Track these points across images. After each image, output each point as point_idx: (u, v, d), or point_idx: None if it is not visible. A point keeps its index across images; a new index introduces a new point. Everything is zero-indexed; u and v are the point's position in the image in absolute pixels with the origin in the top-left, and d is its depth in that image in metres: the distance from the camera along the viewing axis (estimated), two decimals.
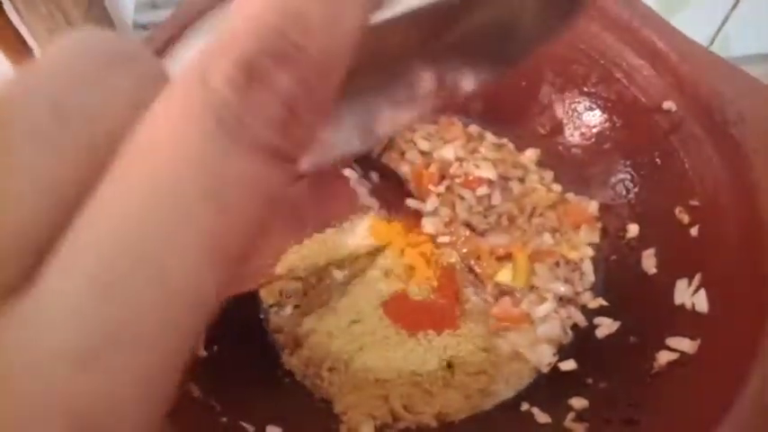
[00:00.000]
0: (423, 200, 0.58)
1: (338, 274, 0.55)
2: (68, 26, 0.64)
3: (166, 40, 0.48)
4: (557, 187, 0.60)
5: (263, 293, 0.54)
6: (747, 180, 0.43)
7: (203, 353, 0.46)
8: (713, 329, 0.42)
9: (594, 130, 0.58)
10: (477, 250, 0.55)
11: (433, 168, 0.60)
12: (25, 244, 0.12)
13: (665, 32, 0.50)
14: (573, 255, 0.56)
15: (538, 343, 0.52)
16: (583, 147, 0.59)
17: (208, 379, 0.43)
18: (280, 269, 0.50)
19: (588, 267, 0.56)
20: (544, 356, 0.51)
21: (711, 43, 0.92)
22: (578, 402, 0.45)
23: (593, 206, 0.58)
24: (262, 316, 0.54)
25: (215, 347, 0.46)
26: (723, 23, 0.92)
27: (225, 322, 0.47)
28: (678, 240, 0.49)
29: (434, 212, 0.58)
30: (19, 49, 0.68)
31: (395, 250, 0.54)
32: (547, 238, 0.57)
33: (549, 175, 0.61)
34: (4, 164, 0.12)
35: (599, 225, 0.57)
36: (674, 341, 0.43)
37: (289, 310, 0.53)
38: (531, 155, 0.62)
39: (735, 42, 0.92)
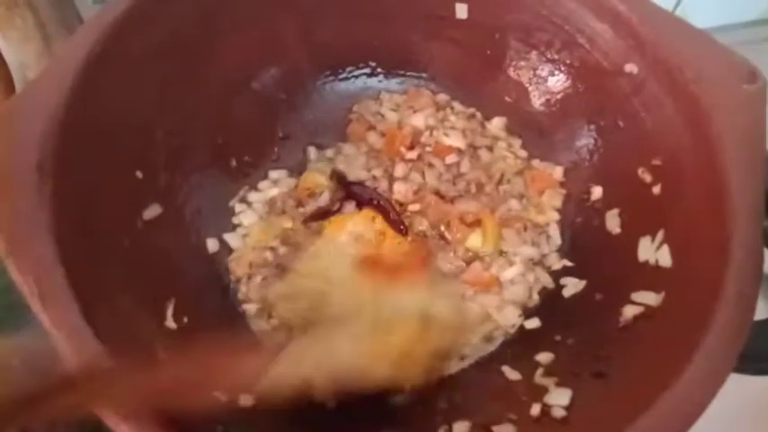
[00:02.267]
0: (393, 163, 0.59)
1: (308, 241, 0.55)
2: (24, 1, 0.62)
3: (124, 10, 0.47)
4: (523, 154, 0.61)
5: (232, 266, 0.54)
6: (707, 136, 0.44)
7: (173, 325, 0.45)
8: (677, 282, 0.43)
9: (559, 96, 0.59)
10: (447, 217, 0.56)
11: (406, 133, 0.61)
12: None
13: None
14: (540, 219, 0.57)
15: (504, 305, 0.52)
16: (548, 113, 0.60)
17: (178, 349, 0.43)
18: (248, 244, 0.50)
19: (554, 231, 0.57)
20: (510, 317, 0.52)
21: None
22: (544, 357, 0.46)
23: (558, 171, 0.59)
24: (232, 287, 0.53)
25: (185, 319, 0.46)
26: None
27: (195, 296, 0.47)
28: (641, 199, 0.50)
29: (405, 179, 0.58)
30: None
31: (366, 217, 0.54)
32: (514, 204, 0.57)
33: (516, 142, 0.62)
34: None
35: (563, 191, 0.58)
36: (638, 295, 0.45)
37: (258, 280, 0.53)
38: (498, 123, 0.62)
39: (693, 15, 0.93)
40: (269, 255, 0.54)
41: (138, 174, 0.49)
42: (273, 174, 0.60)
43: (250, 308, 0.52)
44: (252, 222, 0.56)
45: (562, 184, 0.58)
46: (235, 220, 0.57)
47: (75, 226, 0.40)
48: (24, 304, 0.35)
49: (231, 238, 0.55)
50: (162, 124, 0.51)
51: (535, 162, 0.60)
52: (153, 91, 0.50)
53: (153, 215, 0.49)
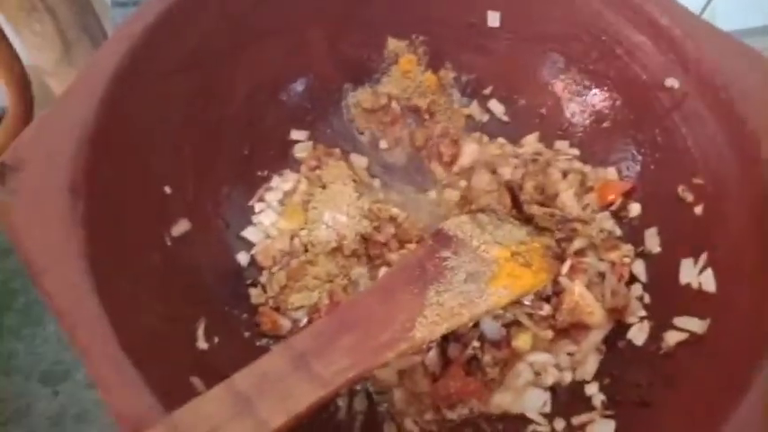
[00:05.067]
0: None
1: None
2: (44, 6, 0.61)
3: (152, 23, 0.46)
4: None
5: (260, 258, 0.53)
6: (754, 158, 0.42)
7: (204, 345, 0.44)
8: (723, 309, 0.42)
9: (595, 108, 0.57)
10: None
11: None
12: None
13: (669, 8, 0.50)
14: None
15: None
16: (582, 125, 0.58)
17: (210, 372, 0.42)
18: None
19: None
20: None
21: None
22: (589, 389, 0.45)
23: (611, 173, 0.56)
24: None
25: (216, 339, 0.45)
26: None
27: (224, 314, 0.45)
28: (682, 219, 0.48)
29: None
30: None
31: None
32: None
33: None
34: None
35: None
36: (682, 321, 0.43)
37: (281, 274, 0.52)
38: (531, 139, 0.60)
39: (721, 17, 0.92)
40: (297, 242, 0.53)
41: (167, 189, 0.47)
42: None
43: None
44: (272, 221, 0.55)
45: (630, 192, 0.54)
46: (254, 219, 0.55)
47: (106, 248, 0.38)
48: None
49: (250, 233, 0.54)
50: (190, 137, 0.50)
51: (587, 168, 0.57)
52: (181, 104, 0.49)
53: (182, 231, 0.48)
